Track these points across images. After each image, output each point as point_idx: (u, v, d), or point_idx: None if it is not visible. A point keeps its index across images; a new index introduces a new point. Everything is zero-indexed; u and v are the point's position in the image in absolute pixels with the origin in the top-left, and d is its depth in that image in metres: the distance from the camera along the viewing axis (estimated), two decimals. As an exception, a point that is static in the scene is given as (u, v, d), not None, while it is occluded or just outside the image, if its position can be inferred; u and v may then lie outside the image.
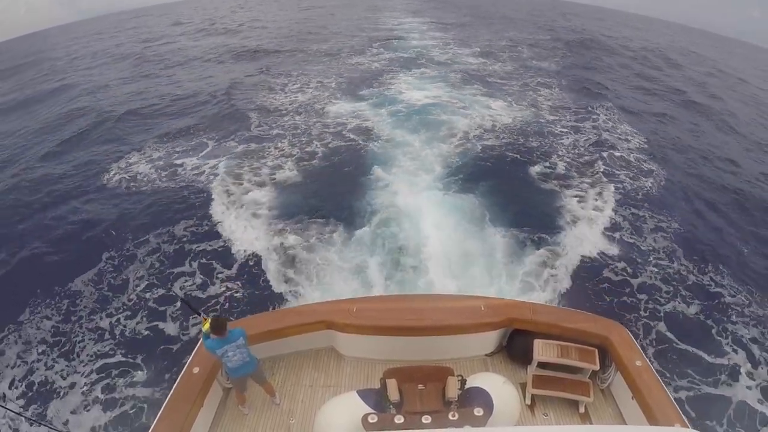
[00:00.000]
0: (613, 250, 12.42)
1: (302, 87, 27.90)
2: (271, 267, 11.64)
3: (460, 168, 16.78)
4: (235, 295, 10.90)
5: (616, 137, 21.21)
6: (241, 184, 15.73)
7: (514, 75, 31.75)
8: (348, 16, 67.46)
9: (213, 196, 15.00)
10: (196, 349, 5.94)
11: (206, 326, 5.18)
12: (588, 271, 11.55)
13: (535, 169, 17.07)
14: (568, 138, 20.58)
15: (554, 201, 14.97)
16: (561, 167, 17.33)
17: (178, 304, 10.49)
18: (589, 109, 24.89)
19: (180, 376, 5.58)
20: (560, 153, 18.70)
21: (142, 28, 67.77)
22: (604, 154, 18.79)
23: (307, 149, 18.50)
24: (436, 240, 12.28)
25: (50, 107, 27.43)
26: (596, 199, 15.11)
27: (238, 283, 11.26)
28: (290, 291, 10.82)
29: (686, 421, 4.95)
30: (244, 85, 28.81)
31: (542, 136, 20.48)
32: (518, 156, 18.19)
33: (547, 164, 17.52)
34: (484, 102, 24.97)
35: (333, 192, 15.25)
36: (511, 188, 15.67)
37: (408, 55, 37.15)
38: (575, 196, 15.22)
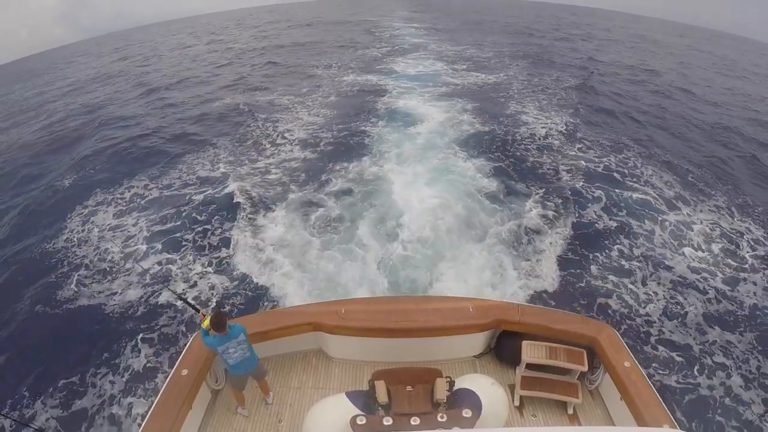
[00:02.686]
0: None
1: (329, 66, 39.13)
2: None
3: (450, 95, 27.41)
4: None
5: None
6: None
7: (493, 59, 41.23)
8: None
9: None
10: (185, 350, 5.88)
11: (206, 323, 5.12)
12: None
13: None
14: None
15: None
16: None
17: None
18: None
19: (168, 378, 5.51)
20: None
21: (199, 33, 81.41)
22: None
23: (336, 94, 28.99)
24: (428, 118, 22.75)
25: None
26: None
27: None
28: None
29: (674, 422, 4.98)
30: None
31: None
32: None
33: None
34: (468, 74, 34.51)
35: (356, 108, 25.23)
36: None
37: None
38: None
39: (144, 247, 12.71)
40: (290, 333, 6.37)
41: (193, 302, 5.87)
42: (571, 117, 23.45)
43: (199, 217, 14.12)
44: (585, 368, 5.86)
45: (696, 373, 8.99)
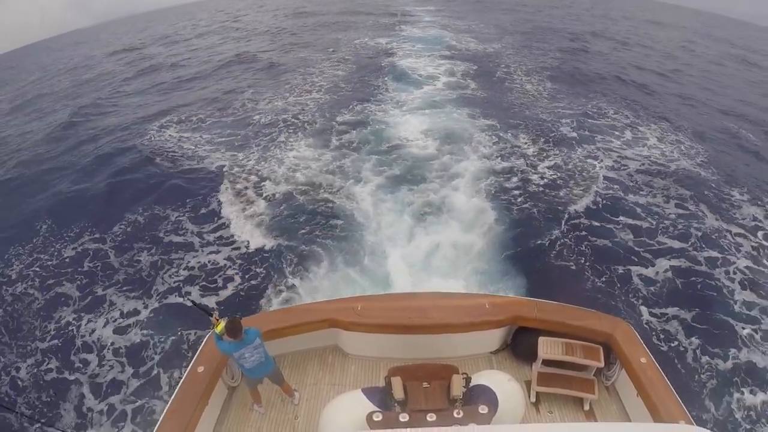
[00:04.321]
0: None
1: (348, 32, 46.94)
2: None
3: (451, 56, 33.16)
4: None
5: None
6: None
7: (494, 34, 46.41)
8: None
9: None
10: (200, 347, 5.94)
11: (219, 328, 5.01)
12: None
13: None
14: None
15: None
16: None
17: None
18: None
19: (185, 375, 5.59)
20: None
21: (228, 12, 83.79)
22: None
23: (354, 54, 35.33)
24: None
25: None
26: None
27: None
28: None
29: (691, 418, 4.94)
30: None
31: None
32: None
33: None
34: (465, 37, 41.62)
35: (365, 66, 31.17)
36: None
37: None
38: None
39: (206, 149, 18.50)
40: (306, 330, 6.43)
41: (205, 306, 5.86)
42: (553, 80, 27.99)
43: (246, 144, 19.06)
44: (601, 364, 5.83)
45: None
